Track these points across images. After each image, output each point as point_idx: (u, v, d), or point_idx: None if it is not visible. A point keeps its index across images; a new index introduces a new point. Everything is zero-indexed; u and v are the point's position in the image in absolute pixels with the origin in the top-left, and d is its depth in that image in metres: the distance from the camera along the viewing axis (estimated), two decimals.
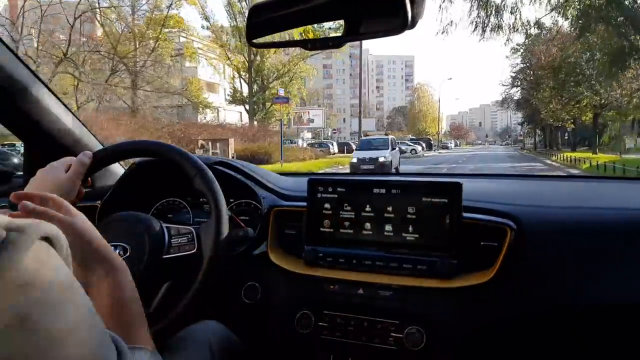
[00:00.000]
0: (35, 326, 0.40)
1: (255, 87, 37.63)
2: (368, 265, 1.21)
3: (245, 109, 38.43)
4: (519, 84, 51.68)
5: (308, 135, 64.45)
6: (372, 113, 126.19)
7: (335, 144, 44.85)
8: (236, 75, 38.67)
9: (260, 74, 37.11)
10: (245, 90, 38.51)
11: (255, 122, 38.31)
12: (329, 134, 65.83)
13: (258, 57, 36.09)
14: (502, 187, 1.68)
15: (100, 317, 0.50)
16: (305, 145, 39.43)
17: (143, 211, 1.20)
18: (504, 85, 56.64)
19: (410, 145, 46.48)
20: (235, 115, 44.10)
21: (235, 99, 38.69)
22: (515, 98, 54.26)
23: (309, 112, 60.88)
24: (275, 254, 1.32)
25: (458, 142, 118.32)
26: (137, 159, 1.43)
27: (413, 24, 0.88)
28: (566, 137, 51.62)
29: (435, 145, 65.78)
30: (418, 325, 1.15)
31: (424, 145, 51.96)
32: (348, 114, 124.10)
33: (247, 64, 36.71)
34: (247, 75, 37.32)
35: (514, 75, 50.70)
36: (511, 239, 1.15)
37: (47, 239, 0.45)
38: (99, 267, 0.74)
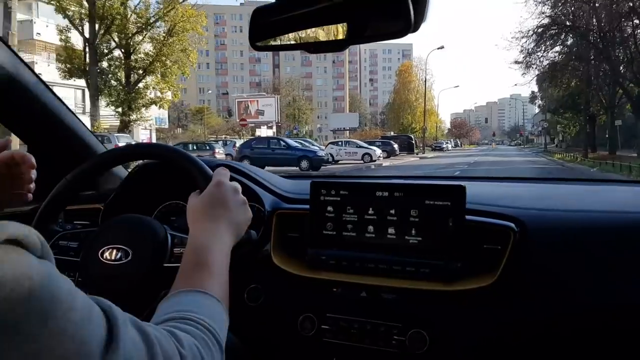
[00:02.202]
0: (4, 323, 0.42)
1: (104, 48, 25.45)
2: (371, 268, 1.32)
3: (88, 81, 25.46)
4: (548, 42, 34.99)
5: (268, 132, 51.07)
6: (364, 108, 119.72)
7: (220, 145, 32.36)
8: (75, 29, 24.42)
9: (111, 24, 24.26)
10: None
11: (106, 106, 26.45)
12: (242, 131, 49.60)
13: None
14: (506, 190, 1.80)
15: (83, 296, 0.53)
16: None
17: (146, 214, 1.32)
18: (514, 40, 40.34)
19: (362, 147, 34.44)
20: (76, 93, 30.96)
21: (73, 67, 25.32)
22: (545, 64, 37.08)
23: (257, 102, 53.25)
24: (278, 256, 1.44)
25: (459, 142, 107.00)
26: (140, 161, 1.54)
27: (416, 27, 0.98)
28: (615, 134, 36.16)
29: (420, 146, 53.73)
30: (421, 328, 1.25)
31: (395, 147, 41.01)
32: (330, 108, 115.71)
33: (88, 10, 23.85)
34: (90, 28, 24.28)
35: (541, 29, 34.17)
36: (514, 242, 1.25)
37: (14, 242, 0.48)
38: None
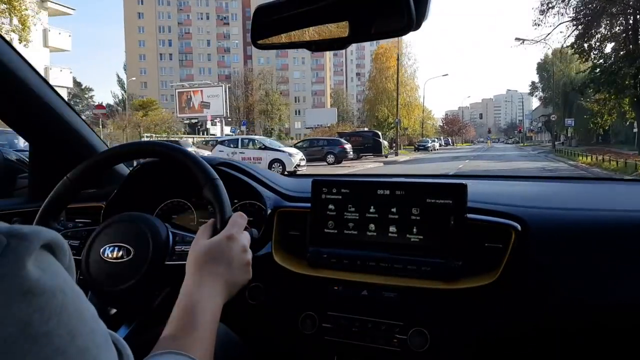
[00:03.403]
0: (37, 334, 0.46)
1: None
2: (372, 267, 1.40)
3: None
4: None
5: (215, 128, 43.80)
6: (349, 104, 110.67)
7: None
8: None
9: None
10: None
11: None
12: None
13: None
14: (507, 188, 1.89)
15: (102, 322, 0.58)
16: None
17: (147, 212, 1.39)
18: None
19: (272, 150, 24.60)
20: None
21: None
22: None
23: (202, 92, 46.21)
24: (280, 255, 1.52)
25: (450, 140, 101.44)
26: (141, 160, 1.61)
27: (418, 25, 1.05)
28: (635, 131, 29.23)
29: (388, 146, 44.00)
30: (422, 326, 1.33)
31: (346, 148, 30.85)
32: (309, 103, 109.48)
33: None
34: None
35: None
36: (515, 240, 1.32)
37: (48, 246, 0.52)
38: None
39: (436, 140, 73.51)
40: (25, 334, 0.45)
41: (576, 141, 55.17)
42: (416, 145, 60.25)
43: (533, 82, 59.27)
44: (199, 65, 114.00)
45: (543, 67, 59.92)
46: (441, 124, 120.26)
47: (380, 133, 39.76)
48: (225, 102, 44.15)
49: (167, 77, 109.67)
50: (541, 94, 63.43)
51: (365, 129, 48.93)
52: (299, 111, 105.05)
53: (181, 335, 0.92)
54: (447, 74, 72.89)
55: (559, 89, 49.48)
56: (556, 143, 56.90)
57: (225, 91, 44.97)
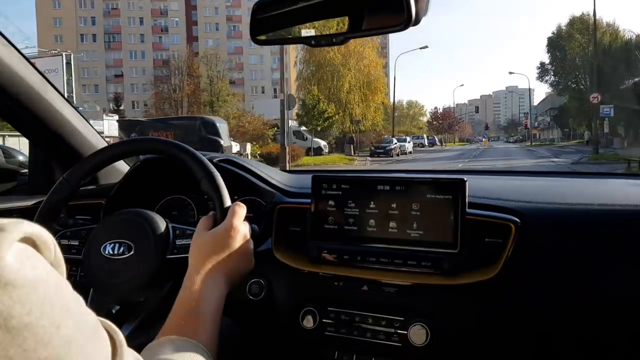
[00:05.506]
0: (19, 326, 0.50)
1: None
2: (372, 262, 1.53)
3: None
4: None
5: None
6: None
7: None
8: None
9: None
10: None
11: None
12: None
13: None
14: (507, 183, 2.03)
15: (91, 312, 0.63)
16: None
17: (148, 208, 1.50)
18: None
19: None
20: None
21: None
22: None
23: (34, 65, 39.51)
24: (280, 250, 1.65)
25: (436, 140, 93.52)
26: (142, 156, 1.74)
27: (417, 21, 1.17)
28: None
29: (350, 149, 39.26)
30: (422, 321, 1.45)
31: None
32: (269, 94, 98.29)
33: None
34: None
35: None
36: (515, 235, 1.44)
37: (29, 239, 0.57)
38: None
39: (408, 139, 59.42)
40: (6, 326, 0.49)
41: (622, 140, 39.78)
42: (372, 148, 47.46)
43: (542, 64, 50.67)
44: (129, 47, 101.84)
45: (556, 44, 50.83)
46: (429, 120, 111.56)
47: (215, 122, 27.14)
48: (68, 79, 36.29)
49: (90, 63, 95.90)
50: (553, 78, 54.67)
51: (192, 115, 31.83)
52: (255, 105, 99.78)
53: (185, 323, 1.02)
54: (426, 46, 57.39)
55: (579, 68, 42.00)
56: (573, 143, 46.26)
57: (69, 62, 37.44)
